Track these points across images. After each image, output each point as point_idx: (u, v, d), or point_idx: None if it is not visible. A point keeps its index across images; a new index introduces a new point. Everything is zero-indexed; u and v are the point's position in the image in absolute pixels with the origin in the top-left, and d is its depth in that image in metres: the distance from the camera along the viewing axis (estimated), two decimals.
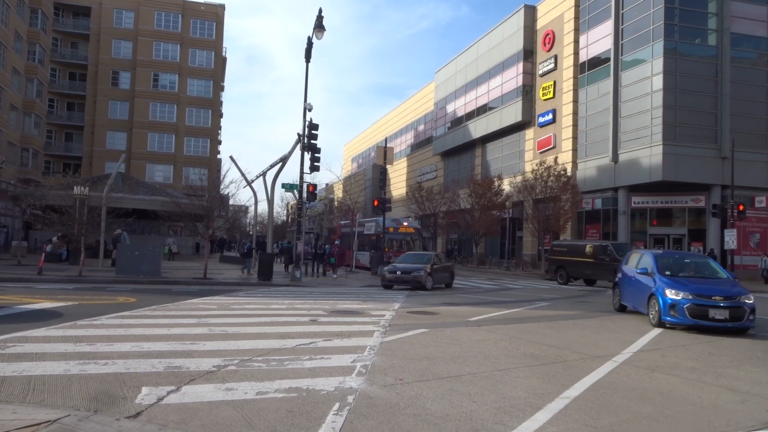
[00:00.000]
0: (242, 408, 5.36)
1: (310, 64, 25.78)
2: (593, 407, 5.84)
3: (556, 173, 36.71)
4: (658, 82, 34.09)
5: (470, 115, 53.68)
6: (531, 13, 46.29)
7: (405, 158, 72.06)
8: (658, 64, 34.07)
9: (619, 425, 5.26)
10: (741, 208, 29.50)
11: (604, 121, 37.84)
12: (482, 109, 51.72)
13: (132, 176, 46.90)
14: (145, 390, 5.83)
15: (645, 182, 34.81)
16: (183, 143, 58.40)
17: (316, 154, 25.30)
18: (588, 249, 27.00)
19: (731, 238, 29.02)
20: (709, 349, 9.81)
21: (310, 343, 8.99)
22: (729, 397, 6.49)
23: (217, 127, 64.71)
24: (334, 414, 5.24)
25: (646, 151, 34.43)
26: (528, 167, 43.32)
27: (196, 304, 14.41)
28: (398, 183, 72.36)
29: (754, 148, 34.48)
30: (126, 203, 32.11)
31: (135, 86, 57.29)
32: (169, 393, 5.76)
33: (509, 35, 47.92)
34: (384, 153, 35.03)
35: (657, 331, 11.83)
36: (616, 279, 15.47)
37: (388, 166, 36.55)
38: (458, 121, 56.25)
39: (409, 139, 72.41)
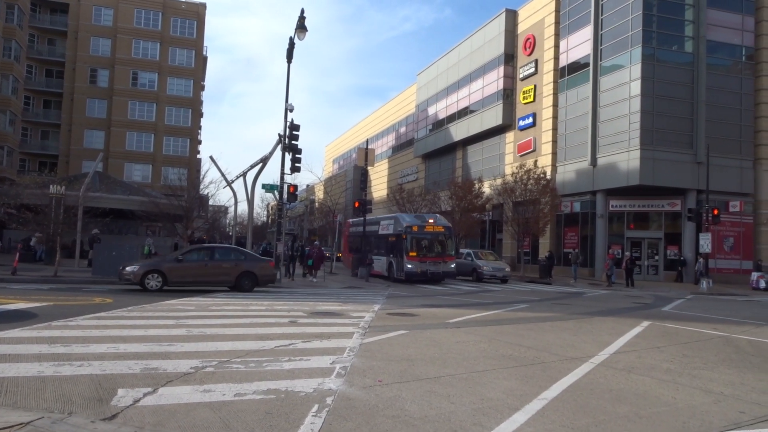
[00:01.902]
0: (220, 410, 5.33)
1: (291, 65, 25.74)
2: (570, 408, 5.90)
3: (535, 176, 36.99)
4: (635, 87, 34.57)
5: (451, 118, 53.91)
6: (512, 17, 46.67)
7: (386, 160, 72.12)
8: (636, 69, 34.55)
9: (595, 426, 5.33)
10: (716, 212, 29.99)
11: (584, 125, 38.27)
12: (463, 112, 51.97)
13: (110, 175, 46.29)
14: (121, 392, 5.77)
15: (622, 186, 35.27)
16: (162, 143, 57.78)
17: (297, 155, 25.23)
18: None
19: (706, 242, 29.50)
20: (684, 351, 9.97)
21: (290, 344, 8.96)
22: (703, 398, 6.60)
23: (197, 127, 64.14)
24: (312, 415, 5.23)
25: (624, 156, 34.89)
26: (508, 170, 43.60)
27: (174, 305, 14.27)
28: (379, 185, 72.38)
29: (729, 153, 35.11)
30: (103, 203, 31.65)
31: (113, 84, 56.55)
32: (145, 395, 5.70)
33: (490, 39, 48.25)
34: (365, 154, 34.95)
35: (634, 332, 11.98)
36: None
37: (369, 168, 36.35)
38: (439, 124, 56.46)
39: (390, 140, 72.50)
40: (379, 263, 30.43)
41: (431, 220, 28.87)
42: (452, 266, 28.36)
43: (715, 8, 35.64)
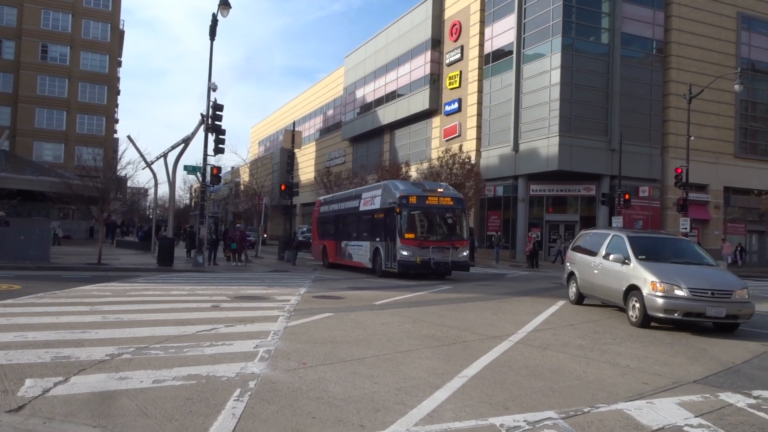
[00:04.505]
0: (137, 397, 5.17)
1: (215, 42, 24.97)
2: (489, 384, 6.12)
3: (460, 161, 37.77)
4: (555, 76, 35.78)
5: (379, 102, 54.00)
6: (439, 2, 47.02)
7: (314, 142, 71.47)
8: (556, 58, 35.74)
9: (512, 400, 5.55)
10: (627, 197, 31.67)
11: (507, 111, 39.29)
12: (391, 96, 52.16)
13: (17, 155, 43.44)
14: (29, 382, 5.48)
15: (542, 171, 36.56)
16: (75, 120, 54.70)
17: (220, 136, 24.57)
18: None
19: (618, 225, 31.11)
20: (596, 327, 10.53)
21: (212, 329, 8.79)
22: (611, 372, 7.02)
23: (114, 105, 61.17)
24: (234, 400, 5.16)
25: (544, 142, 36.14)
26: (434, 154, 44.25)
27: (88, 290, 13.66)
28: (306, 167, 71.70)
29: (640, 141, 37.04)
30: (10, 183, 29.78)
31: (20, 57, 52.84)
32: (56, 384, 5.45)
33: (418, 23, 48.51)
34: (292, 137, 34.50)
35: (551, 311, 12.53)
36: None
37: (296, 151, 35.83)
38: (367, 107, 56.44)
39: (318, 123, 71.83)
40: (360, 251, 23.13)
41: (440, 189, 21.37)
42: (464, 254, 21.04)
43: (629, 2, 37.28)
